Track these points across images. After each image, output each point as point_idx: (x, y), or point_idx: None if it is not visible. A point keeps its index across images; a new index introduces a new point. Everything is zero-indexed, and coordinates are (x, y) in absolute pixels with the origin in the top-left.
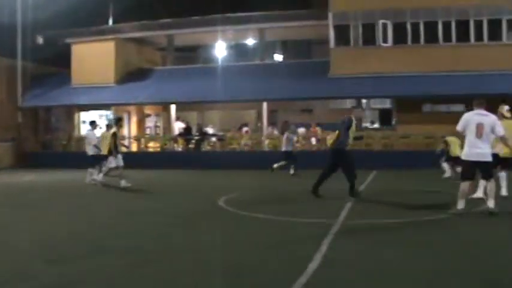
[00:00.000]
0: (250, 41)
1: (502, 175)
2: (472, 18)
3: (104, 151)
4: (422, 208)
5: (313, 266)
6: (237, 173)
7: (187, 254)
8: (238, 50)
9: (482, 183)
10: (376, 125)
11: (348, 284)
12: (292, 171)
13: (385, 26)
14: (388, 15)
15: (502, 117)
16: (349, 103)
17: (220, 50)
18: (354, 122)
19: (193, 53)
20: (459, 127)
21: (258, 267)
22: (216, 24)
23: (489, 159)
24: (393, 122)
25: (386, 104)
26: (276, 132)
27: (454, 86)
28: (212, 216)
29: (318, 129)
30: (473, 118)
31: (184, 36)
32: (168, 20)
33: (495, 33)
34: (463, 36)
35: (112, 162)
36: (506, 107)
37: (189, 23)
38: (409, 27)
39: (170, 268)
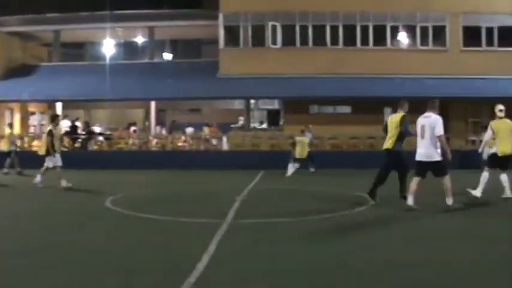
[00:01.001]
0: (140, 39)
1: (503, 178)
2: (359, 23)
3: (42, 151)
4: (310, 207)
5: (201, 265)
6: (125, 172)
7: (71, 256)
8: (127, 48)
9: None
10: (264, 126)
11: (235, 282)
12: None
13: (274, 28)
14: (277, 17)
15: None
16: (237, 103)
17: (108, 48)
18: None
19: (81, 50)
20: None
21: (145, 268)
22: (104, 20)
23: (435, 159)
24: (281, 123)
25: (275, 104)
26: (164, 132)
27: (340, 88)
28: (98, 217)
29: (207, 129)
30: (419, 121)
31: (72, 32)
32: (55, 14)
33: (380, 38)
34: (349, 40)
35: (49, 162)
36: (499, 107)
37: (77, 18)
38: (298, 29)
39: (53, 272)
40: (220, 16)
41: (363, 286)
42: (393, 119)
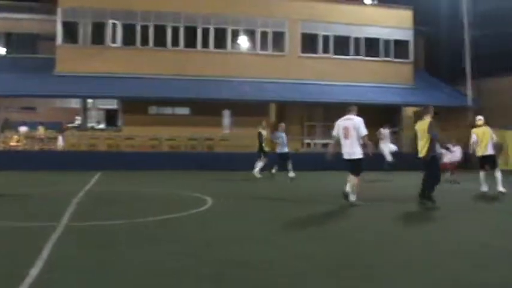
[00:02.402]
0: None
1: (497, 175)
2: (200, 25)
3: None
4: (147, 209)
5: (34, 271)
6: None
7: None
8: None
9: (481, 178)
10: (102, 126)
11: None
12: None
13: (114, 26)
14: (118, 16)
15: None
16: (74, 102)
17: None
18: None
19: None
20: (334, 132)
21: None
22: None
23: (356, 157)
24: (119, 123)
25: (113, 104)
26: None
27: (180, 89)
28: None
29: (42, 129)
30: (341, 123)
31: None
32: None
33: (221, 41)
34: (191, 42)
35: None
36: (478, 117)
37: None
38: (138, 29)
39: None
40: (59, 11)
41: (204, 286)
42: (421, 126)
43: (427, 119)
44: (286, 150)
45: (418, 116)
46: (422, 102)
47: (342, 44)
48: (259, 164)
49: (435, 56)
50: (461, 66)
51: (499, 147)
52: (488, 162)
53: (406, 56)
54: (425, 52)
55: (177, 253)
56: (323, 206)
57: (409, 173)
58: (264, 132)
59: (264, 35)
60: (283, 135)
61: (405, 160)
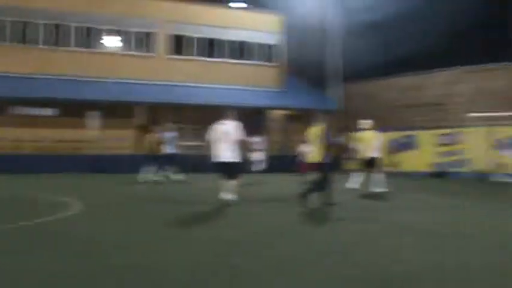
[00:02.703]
0: None
1: (376, 176)
2: (66, 23)
3: None
4: (11, 214)
5: None
6: None
7: None
8: None
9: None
10: None
11: None
12: None
13: None
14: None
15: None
16: None
17: None
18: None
19: None
20: (209, 135)
21: None
22: None
23: (231, 160)
24: None
25: None
26: None
27: (45, 89)
28: None
29: None
30: (217, 127)
31: None
32: None
33: (89, 40)
34: (55, 40)
35: None
36: (364, 121)
37: None
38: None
39: None
40: None
41: None
42: (313, 132)
43: (319, 125)
44: (174, 151)
45: (289, 119)
46: (289, 105)
47: (211, 47)
48: (151, 168)
49: (303, 60)
50: (328, 70)
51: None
52: (371, 164)
53: (273, 60)
54: (294, 56)
55: (49, 260)
56: (205, 207)
57: (278, 175)
58: (159, 135)
59: (133, 35)
60: (171, 135)
61: (273, 162)
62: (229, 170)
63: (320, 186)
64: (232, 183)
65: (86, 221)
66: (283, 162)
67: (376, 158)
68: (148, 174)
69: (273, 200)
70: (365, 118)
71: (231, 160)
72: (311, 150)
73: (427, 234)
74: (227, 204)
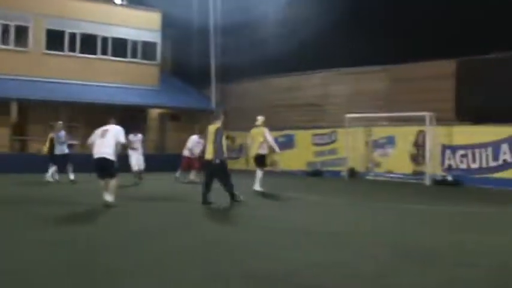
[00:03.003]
0: None
1: (258, 173)
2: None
3: None
4: None
5: None
6: None
7: None
8: None
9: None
10: None
11: None
12: None
13: None
14: None
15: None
16: None
17: None
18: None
19: None
20: (91, 139)
21: None
22: None
23: (109, 157)
24: None
25: None
26: None
27: None
28: None
29: None
30: (100, 130)
31: None
32: None
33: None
34: None
35: None
36: (258, 117)
37: None
38: None
39: None
40: None
41: None
42: (210, 130)
43: (217, 124)
44: (66, 151)
45: (167, 118)
46: (168, 104)
47: (89, 43)
48: (52, 168)
49: (183, 59)
50: (208, 70)
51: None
52: (258, 161)
53: (153, 58)
54: (174, 55)
55: None
56: (83, 208)
57: (156, 174)
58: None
59: (5, 28)
60: (62, 134)
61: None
62: (106, 168)
63: (208, 184)
64: (112, 183)
65: None
66: (161, 161)
67: (263, 156)
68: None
69: (151, 199)
70: (244, 118)
71: (109, 157)
72: (207, 148)
73: (303, 233)
74: (106, 205)
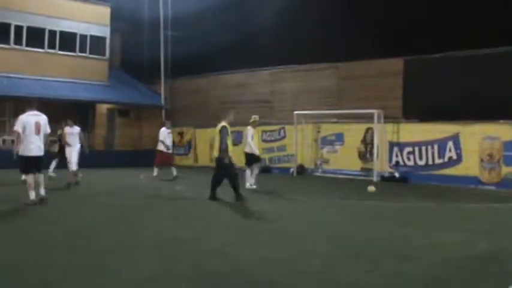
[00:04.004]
0: None
1: (248, 173)
2: None
3: None
4: None
5: None
6: None
7: None
8: None
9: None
10: None
11: None
12: None
13: None
14: None
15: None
16: None
17: None
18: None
19: None
20: (18, 127)
21: None
22: None
23: (43, 153)
24: None
25: None
26: None
27: None
28: None
29: None
30: (30, 118)
31: None
32: None
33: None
34: None
35: None
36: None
37: None
38: None
39: None
40: None
41: None
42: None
43: (223, 122)
44: None
45: (121, 114)
46: (116, 100)
47: (36, 36)
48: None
49: (133, 54)
50: (157, 65)
51: None
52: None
53: (102, 53)
54: (123, 50)
55: None
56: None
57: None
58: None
59: None
60: None
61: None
62: (39, 163)
63: (218, 182)
64: (42, 176)
65: None
66: (108, 157)
67: (248, 154)
68: None
69: (96, 195)
70: (193, 114)
71: (41, 154)
72: (214, 146)
73: (250, 229)
74: (42, 200)
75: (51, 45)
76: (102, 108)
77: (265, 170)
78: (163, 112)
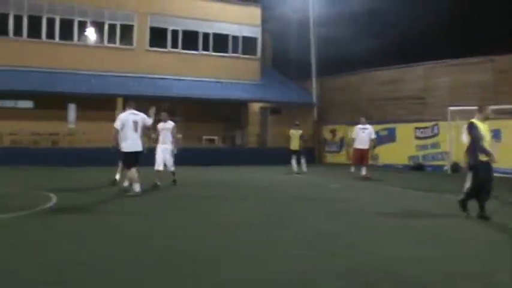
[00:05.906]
0: None
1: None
2: (45, 15)
3: None
4: None
5: None
6: None
7: None
8: None
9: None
10: None
11: None
12: None
13: None
14: None
15: None
16: None
17: None
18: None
19: None
20: (117, 124)
21: None
22: None
23: (141, 149)
24: None
25: None
26: None
27: (22, 82)
28: None
29: None
30: (129, 117)
31: None
32: None
33: (67, 32)
34: (34, 32)
35: None
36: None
37: None
38: None
39: None
40: None
41: None
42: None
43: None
44: None
45: (273, 112)
46: (269, 98)
47: (190, 39)
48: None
49: (283, 53)
50: (307, 63)
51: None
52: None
53: (253, 53)
54: (274, 49)
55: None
56: None
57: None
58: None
59: (111, 27)
60: None
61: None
62: (136, 159)
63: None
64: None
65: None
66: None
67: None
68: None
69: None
70: (345, 111)
71: (140, 149)
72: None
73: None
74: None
75: (205, 47)
76: (255, 106)
77: (419, 168)
78: (315, 110)
